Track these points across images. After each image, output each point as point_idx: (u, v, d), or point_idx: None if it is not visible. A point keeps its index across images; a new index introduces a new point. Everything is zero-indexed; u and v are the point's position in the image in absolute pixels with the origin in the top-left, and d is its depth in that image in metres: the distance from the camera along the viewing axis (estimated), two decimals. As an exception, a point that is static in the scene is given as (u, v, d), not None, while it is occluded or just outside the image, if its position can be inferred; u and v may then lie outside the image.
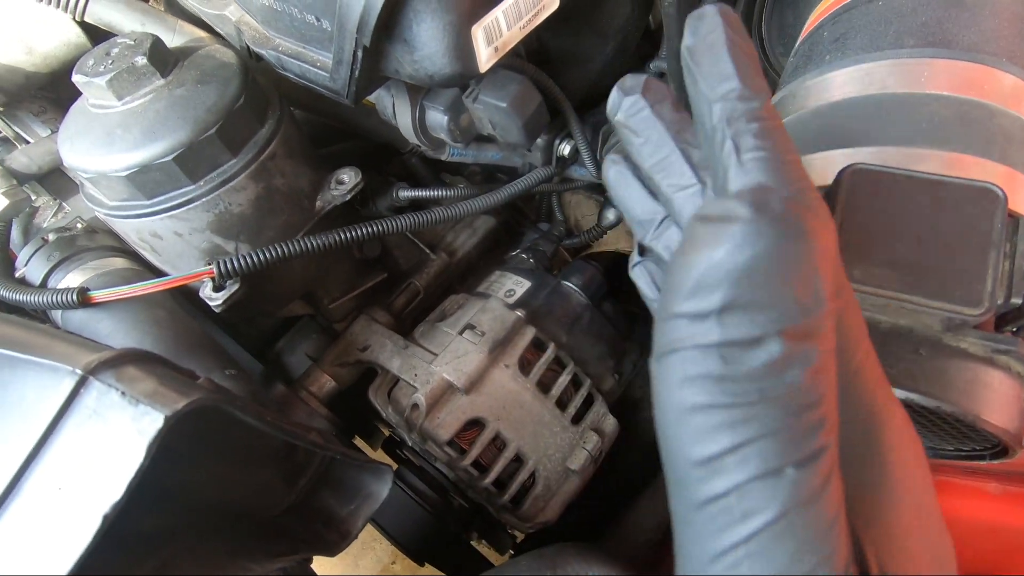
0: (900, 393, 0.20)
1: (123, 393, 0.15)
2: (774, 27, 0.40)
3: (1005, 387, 0.20)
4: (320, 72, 0.31)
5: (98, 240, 0.39)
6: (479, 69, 0.27)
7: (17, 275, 0.38)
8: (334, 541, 0.26)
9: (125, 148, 0.32)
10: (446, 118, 0.37)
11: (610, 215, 0.56)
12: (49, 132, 0.40)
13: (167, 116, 0.32)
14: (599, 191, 0.58)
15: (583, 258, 0.54)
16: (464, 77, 0.28)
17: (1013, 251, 0.19)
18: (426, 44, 0.26)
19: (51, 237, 0.38)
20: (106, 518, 0.15)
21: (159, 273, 0.39)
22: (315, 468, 0.25)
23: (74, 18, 0.37)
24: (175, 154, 0.32)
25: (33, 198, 0.40)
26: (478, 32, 0.26)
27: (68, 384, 0.16)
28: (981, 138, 0.22)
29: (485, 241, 0.55)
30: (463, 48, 0.26)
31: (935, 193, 0.20)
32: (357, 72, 0.28)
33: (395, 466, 0.44)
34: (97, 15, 0.37)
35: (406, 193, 0.44)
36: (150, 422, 0.15)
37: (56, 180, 0.41)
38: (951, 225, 0.20)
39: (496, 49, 0.28)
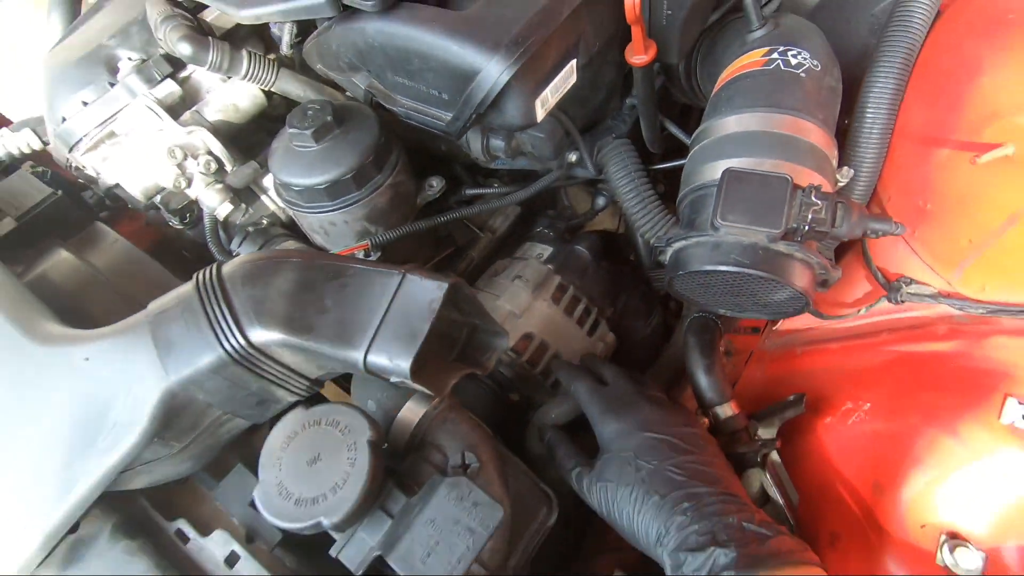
0: (753, 272, 0.43)
1: (422, 278, 0.37)
2: (705, 74, 0.63)
3: (800, 268, 0.43)
4: (437, 122, 0.52)
5: (278, 230, 0.61)
6: (536, 121, 0.50)
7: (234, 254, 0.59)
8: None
9: (323, 171, 0.53)
10: (503, 143, 0.59)
11: (600, 201, 0.78)
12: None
13: (345, 151, 0.53)
14: (592, 185, 0.80)
15: (584, 232, 0.76)
16: (526, 127, 0.50)
17: (799, 202, 0.42)
18: (509, 110, 0.48)
19: (251, 229, 0.60)
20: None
21: (324, 251, 0.60)
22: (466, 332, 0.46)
23: (262, 89, 0.58)
24: (351, 174, 0.53)
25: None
26: (537, 102, 0.48)
27: (396, 279, 0.38)
28: (793, 153, 0.45)
29: (514, 223, 0.77)
30: (529, 111, 0.48)
31: (765, 180, 0.43)
32: (468, 124, 0.50)
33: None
34: (279, 87, 0.58)
35: (471, 191, 0.66)
36: (440, 286, 0.37)
37: (244, 192, 0.62)
38: (773, 194, 0.43)
39: (545, 109, 0.50)
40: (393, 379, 0.38)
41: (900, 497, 0.42)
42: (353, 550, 0.36)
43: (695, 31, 0.57)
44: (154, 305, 0.39)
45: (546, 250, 0.69)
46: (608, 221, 0.88)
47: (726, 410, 0.50)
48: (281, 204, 0.62)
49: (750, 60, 0.51)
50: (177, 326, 0.37)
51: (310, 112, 0.54)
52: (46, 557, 0.35)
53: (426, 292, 0.38)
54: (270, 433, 0.37)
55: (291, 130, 0.53)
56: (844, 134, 0.51)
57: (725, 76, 0.52)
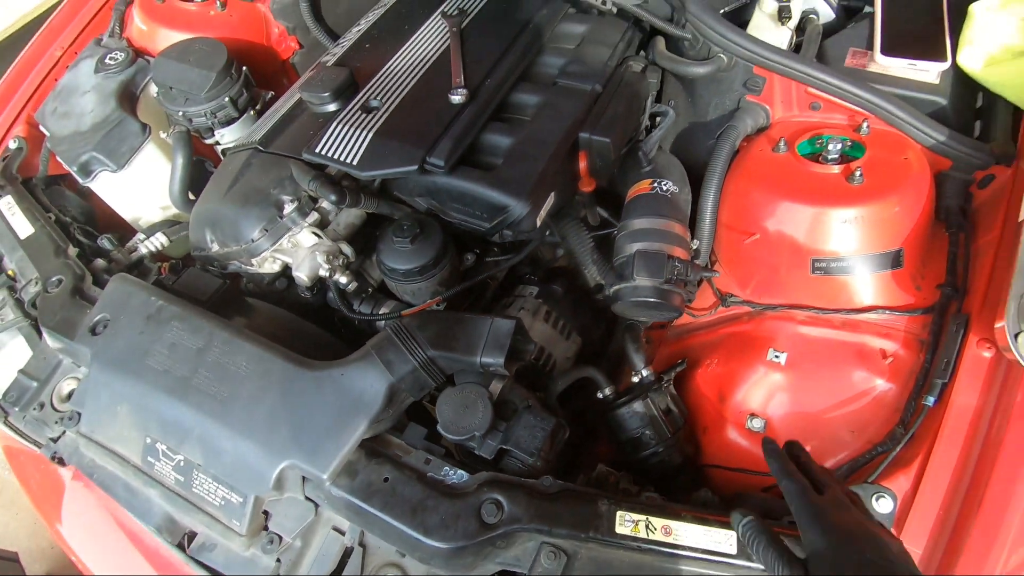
0: (653, 300, 0.88)
1: (502, 319, 0.79)
2: (620, 185, 1.08)
3: (676, 296, 0.89)
4: (479, 228, 0.94)
5: (380, 296, 1.00)
6: (537, 227, 0.93)
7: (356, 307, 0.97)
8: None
9: (416, 261, 0.93)
10: (512, 234, 1.01)
11: (558, 252, 1.23)
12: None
13: (427, 247, 0.94)
14: (553, 245, 1.24)
15: (555, 275, 1.20)
16: (531, 231, 0.93)
17: (671, 266, 0.88)
18: (524, 225, 0.90)
19: (363, 296, 0.98)
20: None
21: (411, 306, 1.00)
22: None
23: (368, 211, 0.97)
24: (431, 260, 0.94)
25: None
26: (537, 219, 0.91)
27: (488, 320, 0.80)
28: (669, 239, 0.91)
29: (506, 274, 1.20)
30: (534, 224, 0.91)
31: (656, 255, 0.88)
32: (498, 231, 0.92)
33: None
34: (376, 209, 0.98)
35: (490, 259, 1.08)
36: (512, 322, 0.79)
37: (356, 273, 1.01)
38: (659, 263, 0.88)
39: (540, 220, 0.93)
40: (491, 369, 0.79)
41: (731, 400, 0.89)
42: (486, 449, 0.77)
43: (613, 170, 1.02)
44: (371, 343, 0.78)
45: (534, 289, 1.12)
46: (563, 261, 1.33)
47: (647, 370, 0.95)
48: (376, 277, 1.01)
49: (642, 186, 0.97)
50: (390, 352, 0.77)
51: (405, 227, 0.94)
52: (338, 472, 0.74)
53: (505, 325, 0.79)
54: (440, 398, 0.77)
55: (396, 238, 0.93)
56: (693, 221, 0.98)
57: (631, 194, 0.98)
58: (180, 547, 0.81)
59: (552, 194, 0.94)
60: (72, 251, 1.01)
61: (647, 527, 0.69)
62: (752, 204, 0.89)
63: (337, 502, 0.75)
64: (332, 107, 1.01)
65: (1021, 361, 0.63)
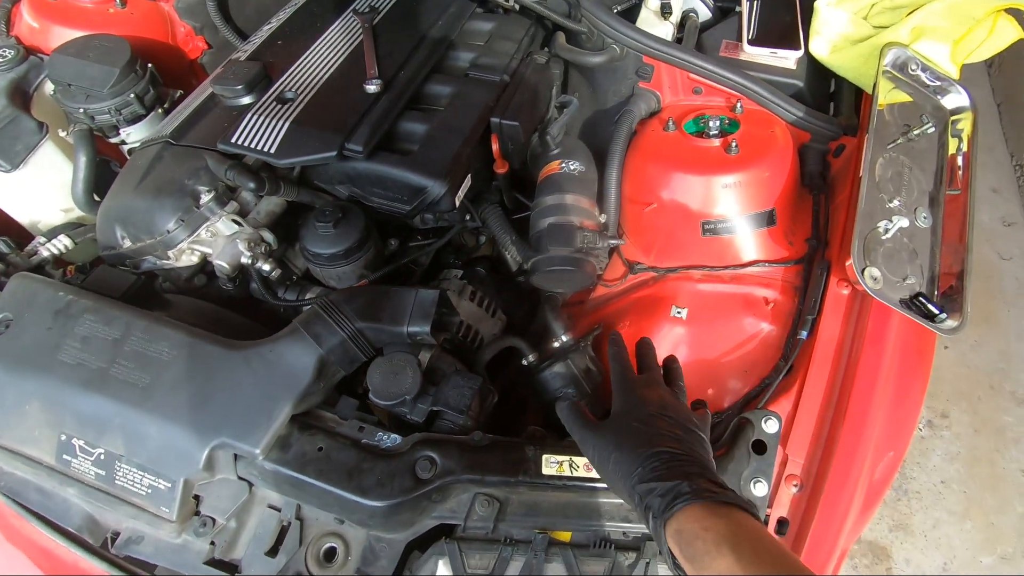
0: (568, 268, 0.95)
1: (426, 290, 0.84)
2: (534, 167, 1.16)
3: (589, 265, 0.97)
4: (399, 211, 0.98)
5: (304, 282, 1.01)
6: (455, 208, 0.98)
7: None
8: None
9: (340, 244, 0.95)
10: (432, 217, 1.06)
11: (482, 239, 1.28)
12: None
13: (350, 232, 0.96)
14: (475, 231, 1.29)
15: (477, 259, 1.26)
16: (449, 211, 0.98)
17: (581, 235, 0.96)
18: (443, 205, 0.95)
19: (287, 283, 0.99)
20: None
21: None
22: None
23: (288, 199, 0.99)
24: (355, 243, 0.96)
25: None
26: (456, 199, 0.96)
27: (413, 292, 0.84)
28: (578, 212, 0.99)
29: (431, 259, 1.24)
30: (452, 204, 0.96)
31: (567, 227, 0.96)
32: (417, 212, 0.96)
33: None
34: (296, 197, 0.99)
35: (413, 243, 1.12)
36: (435, 293, 0.84)
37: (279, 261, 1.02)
38: (570, 233, 0.95)
39: (458, 200, 0.98)
40: (419, 338, 0.83)
41: (641, 356, 0.97)
42: (417, 412, 0.80)
43: (524, 153, 1.10)
44: (298, 319, 0.80)
45: (458, 272, 1.17)
46: (486, 249, 1.39)
47: (567, 335, 1.02)
48: (299, 265, 1.03)
49: (551, 167, 1.04)
50: (318, 325, 0.79)
51: (327, 212, 0.96)
52: (271, 447, 0.75)
53: (429, 295, 0.84)
54: (370, 367, 0.80)
55: (318, 223, 0.95)
56: (601, 197, 1.06)
57: (541, 175, 1.06)
58: (103, 547, 0.79)
59: (468, 176, 1.00)
60: (-37, 255, 0.95)
61: (571, 466, 0.75)
62: (649, 177, 0.99)
63: (271, 476, 0.76)
64: (246, 100, 1.02)
65: (867, 288, 0.75)
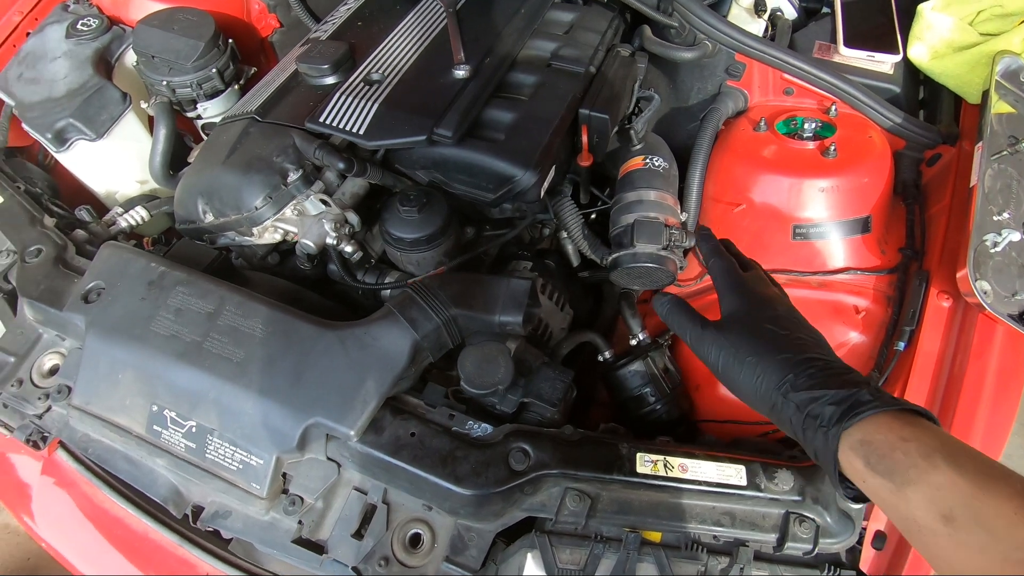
0: (652, 266, 0.94)
1: (518, 279, 0.83)
2: (611, 164, 1.14)
3: (671, 263, 0.95)
4: (483, 200, 0.97)
5: (383, 266, 1.00)
6: (540, 198, 0.97)
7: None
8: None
9: (423, 229, 0.95)
10: (511, 206, 1.05)
11: (546, 232, 1.27)
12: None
13: (433, 217, 0.95)
14: (540, 223, 1.28)
15: (546, 251, 1.25)
16: (534, 202, 0.97)
17: (667, 232, 0.94)
18: (529, 196, 0.94)
19: (367, 266, 0.98)
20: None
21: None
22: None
23: (372, 182, 0.98)
24: (438, 229, 0.96)
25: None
26: (542, 190, 0.95)
27: (506, 280, 0.83)
28: (661, 209, 0.98)
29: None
30: (538, 195, 0.95)
31: (654, 223, 0.95)
32: (502, 202, 0.95)
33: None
34: (380, 180, 0.99)
35: (489, 233, 1.11)
36: (528, 282, 0.82)
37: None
38: (656, 229, 0.94)
39: (543, 191, 0.97)
40: (508, 328, 0.82)
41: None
42: (506, 403, 0.80)
43: (606, 148, 1.08)
44: (391, 302, 0.80)
45: (528, 264, 1.16)
46: (545, 243, 1.38)
47: (644, 333, 1.01)
48: (376, 249, 1.02)
49: (635, 162, 1.03)
50: (414, 310, 0.78)
51: (412, 196, 0.95)
52: (364, 430, 0.74)
53: (522, 284, 0.83)
54: (462, 354, 0.79)
55: (402, 207, 0.94)
56: (681, 196, 1.05)
57: (624, 170, 1.04)
58: (184, 520, 0.79)
59: (554, 168, 0.99)
60: (49, 221, 0.96)
61: (665, 465, 0.74)
62: (738, 177, 0.97)
63: (362, 459, 0.76)
64: (331, 79, 1.01)
65: (982, 301, 0.73)
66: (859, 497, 0.46)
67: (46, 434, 0.85)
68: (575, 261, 1.23)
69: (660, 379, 0.95)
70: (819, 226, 0.91)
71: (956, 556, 0.37)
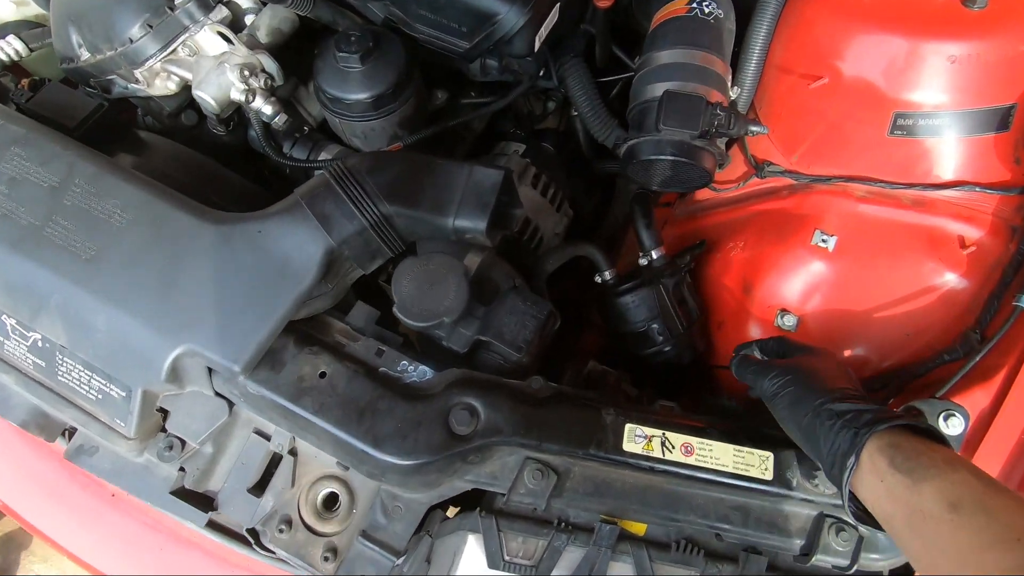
0: (681, 159, 0.67)
1: (484, 167, 0.58)
2: (641, 12, 0.82)
3: (708, 156, 0.68)
4: (456, 49, 0.69)
5: (319, 136, 0.75)
6: (535, 51, 0.68)
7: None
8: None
9: (370, 88, 0.68)
10: (497, 64, 0.76)
11: (550, 105, 0.98)
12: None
13: (385, 71, 0.68)
14: (543, 92, 0.99)
15: (544, 131, 0.97)
16: (527, 56, 0.68)
17: (709, 114, 0.67)
18: (518, 44, 0.66)
19: (297, 135, 0.73)
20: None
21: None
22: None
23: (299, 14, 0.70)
24: (391, 89, 0.69)
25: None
26: (537, 38, 0.66)
27: (467, 168, 0.58)
28: (705, 78, 0.69)
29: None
30: (531, 44, 0.66)
31: (690, 99, 0.66)
32: (482, 52, 0.67)
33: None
34: (315, 13, 0.70)
35: (466, 100, 0.83)
36: (499, 172, 0.57)
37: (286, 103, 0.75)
38: (694, 108, 0.66)
39: (540, 41, 0.68)
40: (468, 236, 0.59)
41: (758, 291, 0.72)
42: (456, 339, 0.59)
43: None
44: (300, 191, 0.56)
45: (520, 147, 0.89)
46: (551, 120, 1.09)
47: (659, 251, 0.77)
48: (314, 113, 0.76)
49: (676, 7, 0.72)
50: (329, 204, 0.55)
51: (353, 38, 0.68)
52: (255, 363, 0.54)
53: (490, 176, 0.58)
54: (397, 270, 0.57)
55: (340, 53, 0.67)
56: (735, 61, 0.75)
57: (658, 17, 0.74)
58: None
59: (556, 7, 0.69)
60: None
61: (663, 444, 0.54)
62: (822, 36, 0.67)
63: (256, 401, 0.57)
64: None
65: None
66: (859, 514, 0.46)
67: None
68: (587, 146, 0.96)
69: (673, 313, 0.72)
70: (934, 116, 0.63)
71: (953, 539, 0.37)
